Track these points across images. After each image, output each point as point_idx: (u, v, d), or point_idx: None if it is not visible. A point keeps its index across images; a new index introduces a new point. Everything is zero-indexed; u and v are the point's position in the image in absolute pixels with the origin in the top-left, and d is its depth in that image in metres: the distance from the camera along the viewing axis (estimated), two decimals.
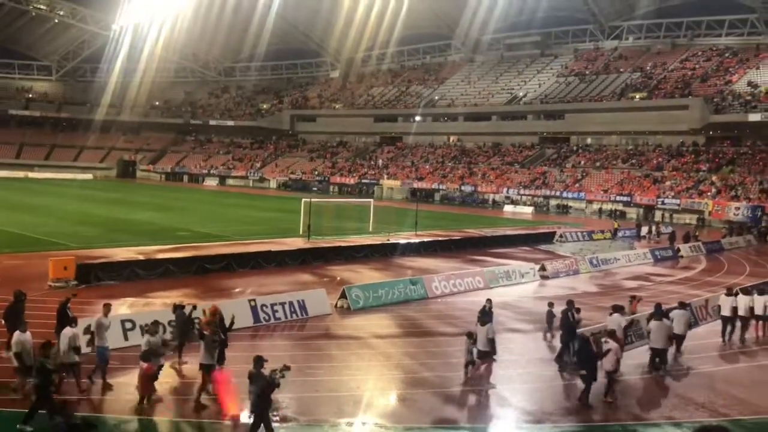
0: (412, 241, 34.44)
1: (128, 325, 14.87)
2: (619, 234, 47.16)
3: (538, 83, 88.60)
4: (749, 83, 69.06)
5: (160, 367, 12.13)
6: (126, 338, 14.65)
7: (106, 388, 12.31)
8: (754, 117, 62.88)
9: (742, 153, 66.94)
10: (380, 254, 31.33)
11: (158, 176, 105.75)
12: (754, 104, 64.56)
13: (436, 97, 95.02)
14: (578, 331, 14.56)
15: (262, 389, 9.95)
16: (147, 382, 11.65)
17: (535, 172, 76.52)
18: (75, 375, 12.02)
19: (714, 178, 63.24)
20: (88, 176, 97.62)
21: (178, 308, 14.52)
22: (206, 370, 11.87)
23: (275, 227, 40.09)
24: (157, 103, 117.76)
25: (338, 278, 24.92)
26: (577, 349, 13.52)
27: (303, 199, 37.24)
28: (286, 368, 10.21)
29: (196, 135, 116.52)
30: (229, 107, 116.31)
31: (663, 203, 62.80)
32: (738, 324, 17.89)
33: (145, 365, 11.59)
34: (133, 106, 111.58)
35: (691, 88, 72.62)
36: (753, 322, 18.22)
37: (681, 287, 24.22)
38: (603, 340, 13.53)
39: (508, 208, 70.41)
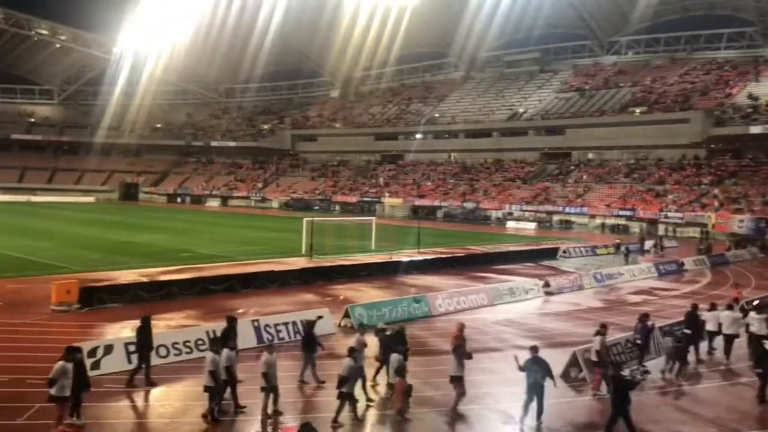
0: (414, 258, 34.32)
1: (132, 348, 14.73)
2: (623, 248, 46.91)
3: (539, 99, 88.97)
4: (749, 96, 69.25)
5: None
6: (129, 361, 14.54)
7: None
8: (755, 129, 62.99)
9: (744, 165, 66.94)
10: (383, 272, 31.19)
11: (160, 198, 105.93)
12: (755, 117, 64.70)
13: (437, 115, 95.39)
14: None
15: (625, 389, 11.46)
16: (402, 396, 12.35)
17: (537, 188, 76.52)
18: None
19: (716, 191, 63.17)
20: (90, 199, 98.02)
21: (380, 332, 14.91)
22: (456, 381, 12.88)
23: (278, 247, 39.98)
24: (158, 125, 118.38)
25: (341, 297, 24.79)
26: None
27: (305, 219, 37.15)
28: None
29: (197, 156, 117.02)
30: (230, 128, 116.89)
31: (666, 217, 62.65)
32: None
33: (398, 380, 12.56)
34: (134, 128, 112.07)
35: (690, 101, 72.85)
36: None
37: (685, 301, 24.05)
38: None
39: (510, 224, 70.32)
